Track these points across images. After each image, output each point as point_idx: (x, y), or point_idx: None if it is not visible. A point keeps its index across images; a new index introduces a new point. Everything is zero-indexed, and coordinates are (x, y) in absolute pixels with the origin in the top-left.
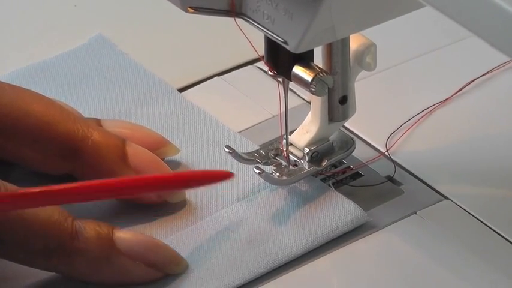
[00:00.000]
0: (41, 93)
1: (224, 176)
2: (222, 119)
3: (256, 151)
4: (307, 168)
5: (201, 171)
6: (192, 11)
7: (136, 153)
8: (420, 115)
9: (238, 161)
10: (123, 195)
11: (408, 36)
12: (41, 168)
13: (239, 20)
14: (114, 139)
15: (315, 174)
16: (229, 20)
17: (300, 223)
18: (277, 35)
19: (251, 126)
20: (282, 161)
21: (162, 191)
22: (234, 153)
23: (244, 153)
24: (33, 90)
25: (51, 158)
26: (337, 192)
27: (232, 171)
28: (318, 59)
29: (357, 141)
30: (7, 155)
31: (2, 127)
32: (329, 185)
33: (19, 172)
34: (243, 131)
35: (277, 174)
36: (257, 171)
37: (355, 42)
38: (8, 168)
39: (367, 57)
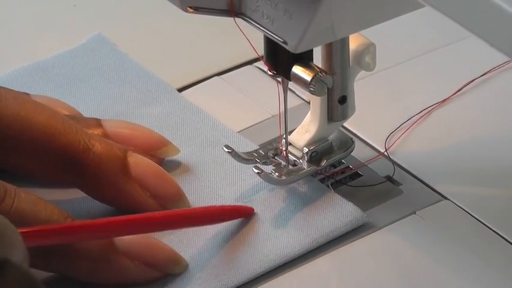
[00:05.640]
0: (41, 95)
1: (245, 211)
2: (221, 119)
3: (256, 151)
4: (306, 168)
5: (220, 208)
6: (192, 10)
7: (138, 164)
8: (419, 115)
9: (237, 160)
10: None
11: (407, 36)
12: (43, 179)
13: (238, 20)
14: (116, 150)
15: (314, 174)
16: (228, 20)
17: (299, 224)
18: (277, 35)
19: (250, 126)
20: (281, 161)
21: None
22: (233, 153)
23: (243, 153)
24: (32, 89)
25: (52, 169)
26: (336, 194)
27: (231, 170)
28: (318, 59)
29: (356, 141)
30: (9, 166)
31: (4, 138)
32: (328, 186)
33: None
34: (242, 130)
35: (276, 174)
36: (256, 170)
37: (354, 42)
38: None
39: (367, 57)
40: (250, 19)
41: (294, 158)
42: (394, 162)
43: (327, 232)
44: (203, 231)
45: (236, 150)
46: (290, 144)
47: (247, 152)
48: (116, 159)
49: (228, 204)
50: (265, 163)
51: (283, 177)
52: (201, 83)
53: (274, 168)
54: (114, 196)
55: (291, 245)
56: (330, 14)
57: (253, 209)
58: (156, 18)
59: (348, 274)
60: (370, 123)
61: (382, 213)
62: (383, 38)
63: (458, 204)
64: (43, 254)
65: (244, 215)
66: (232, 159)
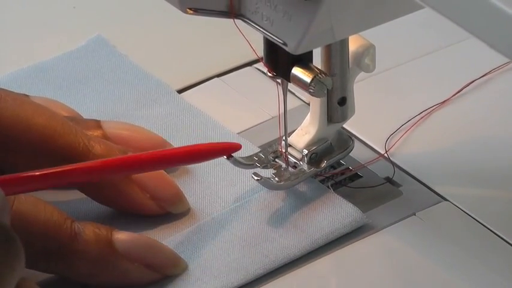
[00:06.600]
0: (41, 97)
1: (232, 148)
2: (221, 120)
3: (256, 154)
4: (306, 169)
5: (208, 145)
6: (191, 12)
7: None
8: (419, 116)
9: (237, 166)
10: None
11: (407, 38)
12: None
13: (238, 21)
14: (115, 152)
15: (313, 176)
16: (228, 21)
17: (299, 225)
18: (276, 37)
19: (250, 128)
20: (281, 163)
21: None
22: (232, 159)
23: (243, 157)
24: (32, 91)
25: None
26: (336, 194)
27: (231, 172)
28: (317, 61)
29: (356, 143)
30: (7, 167)
31: (3, 140)
32: (328, 187)
33: None
34: (242, 132)
35: (277, 178)
36: (256, 178)
37: (354, 44)
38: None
39: (366, 58)
40: (250, 20)
41: (294, 160)
42: (393, 164)
43: (326, 233)
44: (203, 233)
45: (235, 155)
46: (290, 145)
47: (247, 156)
48: None
49: (227, 207)
50: (265, 167)
51: (282, 183)
52: (201, 85)
53: (274, 172)
54: (114, 197)
55: (290, 245)
56: (330, 15)
57: (241, 145)
58: (156, 19)
59: (348, 275)
60: (370, 125)
61: (381, 214)
62: (383, 39)
63: (457, 205)
64: (43, 256)
65: (233, 150)
66: None
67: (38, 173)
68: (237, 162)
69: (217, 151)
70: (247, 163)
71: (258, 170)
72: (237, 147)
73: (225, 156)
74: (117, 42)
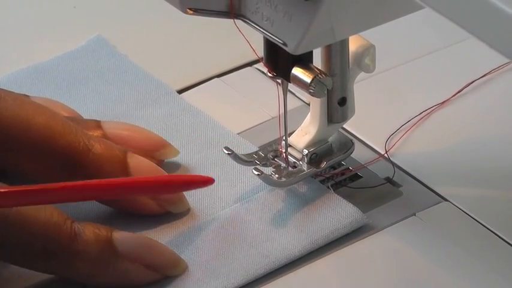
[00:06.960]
0: (41, 97)
1: (205, 181)
2: (221, 121)
3: (255, 152)
4: (306, 169)
5: (181, 177)
6: (191, 12)
7: (137, 165)
8: (419, 117)
9: (237, 162)
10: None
11: (407, 38)
12: (43, 180)
13: (238, 22)
14: (116, 151)
15: (313, 176)
16: (228, 22)
17: (299, 225)
18: (277, 37)
19: (250, 128)
20: (281, 163)
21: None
22: (233, 154)
23: (243, 154)
24: (32, 91)
25: (51, 170)
26: (336, 194)
27: (231, 172)
28: (317, 61)
29: (356, 143)
30: (8, 167)
31: (4, 140)
32: (328, 187)
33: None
34: (242, 132)
35: (276, 175)
36: (256, 172)
37: (354, 44)
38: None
39: (366, 58)
40: (250, 21)
41: (294, 160)
42: (394, 164)
43: (326, 233)
44: (203, 233)
45: (236, 152)
46: (290, 145)
47: (247, 154)
48: (115, 160)
49: (228, 208)
50: (264, 165)
51: (283, 179)
52: (201, 85)
53: (274, 170)
54: None
55: (290, 246)
56: (330, 15)
57: (214, 180)
58: (156, 19)
59: (348, 276)
60: (370, 125)
61: (382, 214)
62: (383, 39)
63: (458, 205)
64: (43, 256)
65: (203, 184)
66: (232, 160)
67: (16, 189)
68: (237, 158)
69: (190, 183)
70: (248, 159)
71: (258, 167)
72: (209, 181)
73: (225, 151)
74: (117, 42)
